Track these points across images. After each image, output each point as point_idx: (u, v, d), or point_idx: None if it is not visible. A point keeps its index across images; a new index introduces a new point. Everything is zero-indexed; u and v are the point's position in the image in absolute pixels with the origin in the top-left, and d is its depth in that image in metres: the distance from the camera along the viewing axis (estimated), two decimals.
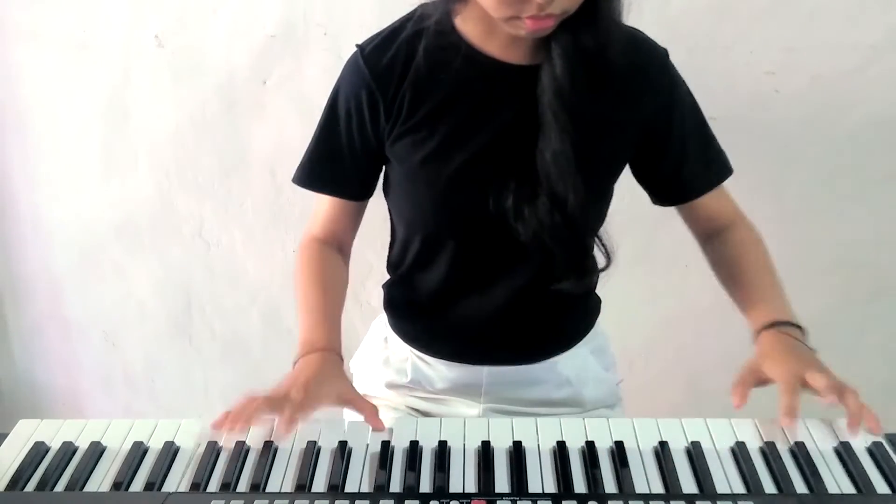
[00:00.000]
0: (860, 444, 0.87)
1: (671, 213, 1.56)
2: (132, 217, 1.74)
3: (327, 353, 0.99)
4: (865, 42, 1.44)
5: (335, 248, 1.12)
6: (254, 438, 0.89)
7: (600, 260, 1.12)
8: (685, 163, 1.05)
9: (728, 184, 1.11)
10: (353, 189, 1.07)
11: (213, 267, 1.76)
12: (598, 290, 1.17)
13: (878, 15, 1.42)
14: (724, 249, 1.11)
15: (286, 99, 1.58)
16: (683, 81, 1.05)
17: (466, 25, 0.96)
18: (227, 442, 0.88)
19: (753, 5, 1.43)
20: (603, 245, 1.09)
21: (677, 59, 1.04)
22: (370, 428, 0.91)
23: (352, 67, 1.01)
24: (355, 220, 1.12)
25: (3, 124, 1.68)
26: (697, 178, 1.07)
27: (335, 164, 1.05)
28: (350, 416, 1.13)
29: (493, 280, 1.06)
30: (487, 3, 0.85)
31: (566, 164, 0.94)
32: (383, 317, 1.19)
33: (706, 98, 1.49)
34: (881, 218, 1.59)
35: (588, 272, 1.08)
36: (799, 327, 1.01)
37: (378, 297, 1.20)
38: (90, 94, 1.63)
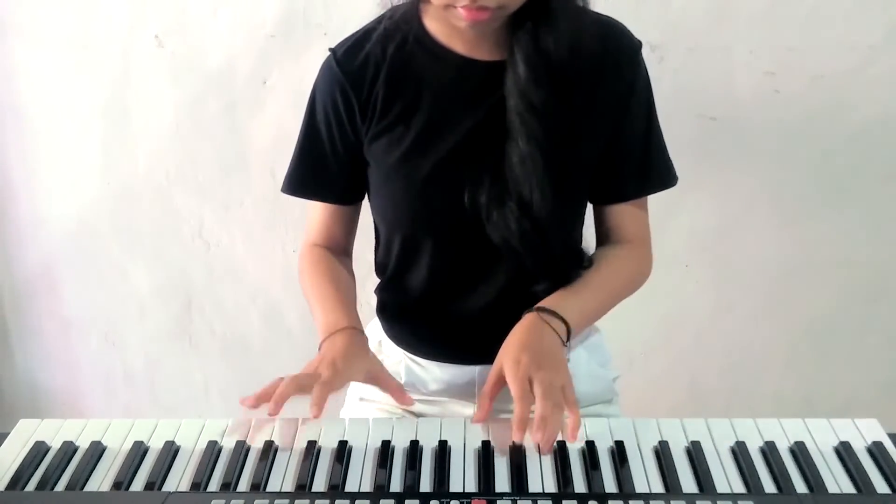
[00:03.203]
0: (860, 444, 0.87)
1: (671, 213, 1.56)
2: (132, 217, 1.74)
3: (351, 330, 1.00)
4: (865, 42, 1.44)
5: (335, 251, 1.12)
6: (254, 438, 0.89)
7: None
8: (623, 163, 1.03)
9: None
10: (341, 193, 1.08)
11: (213, 267, 1.76)
12: None
13: (878, 15, 1.42)
14: (598, 256, 1.07)
15: (286, 99, 1.58)
16: (648, 81, 1.02)
17: (433, 23, 0.97)
18: (227, 442, 0.88)
19: (753, 5, 1.43)
20: (577, 251, 1.06)
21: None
22: (370, 428, 0.91)
23: (325, 71, 1.01)
24: (350, 223, 1.12)
25: (3, 124, 1.68)
26: (629, 182, 1.04)
27: (321, 169, 1.05)
28: (350, 415, 1.13)
29: (476, 279, 1.05)
30: None
31: (533, 166, 0.93)
32: (377, 320, 1.19)
33: (706, 98, 1.50)
34: (881, 218, 1.59)
35: (564, 273, 1.05)
36: (565, 323, 0.97)
37: None
38: (90, 93, 1.63)
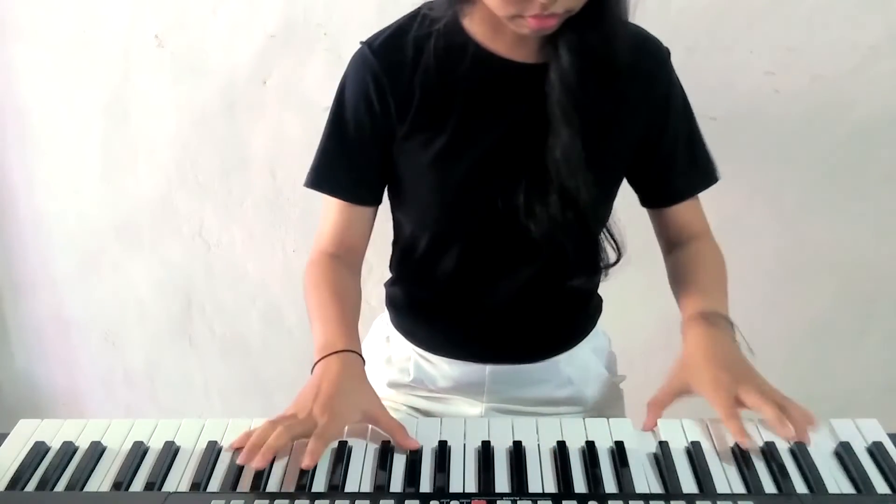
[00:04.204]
0: (860, 444, 0.87)
1: None
2: (132, 217, 1.74)
3: (347, 354, 0.95)
4: (865, 42, 1.44)
5: (346, 262, 1.07)
6: None
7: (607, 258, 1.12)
8: (674, 165, 1.06)
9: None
10: (365, 190, 1.05)
11: (213, 267, 1.76)
12: (599, 290, 1.17)
13: (878, 15, 1.42)
14: (684, 257, 1.10)
15: (286, 99, 1.58)
16: (680, 83, 1.05)
17: (474, 25, 0.97)
18: (227, 442, 0.88)
19: (753, 5, 1.43)
20: (613, 240, 1.08)
21: (677, 59, 1.05)
22: (370, 428, 0.91)
23: (360, 61, 1.00)
24: (367, 229, 1.08)
25: (3, 124, 1.68)
26: (683, 181, 1.07)
27: (347, 163, 1.03)
28: None
29: (498, 278, 1.06)
30: (492, 2, 0.86)
31: (576, 159, 0.94)
32: (385, 315, 1.18)
33: (706, 98, 1.49)
34: (881, 218, 1.59)
35: (598, 268, 1.09)
36: (730, 322, 0.99)
37: (378, 296, 1.19)
38: (90, 93, 1.63)
